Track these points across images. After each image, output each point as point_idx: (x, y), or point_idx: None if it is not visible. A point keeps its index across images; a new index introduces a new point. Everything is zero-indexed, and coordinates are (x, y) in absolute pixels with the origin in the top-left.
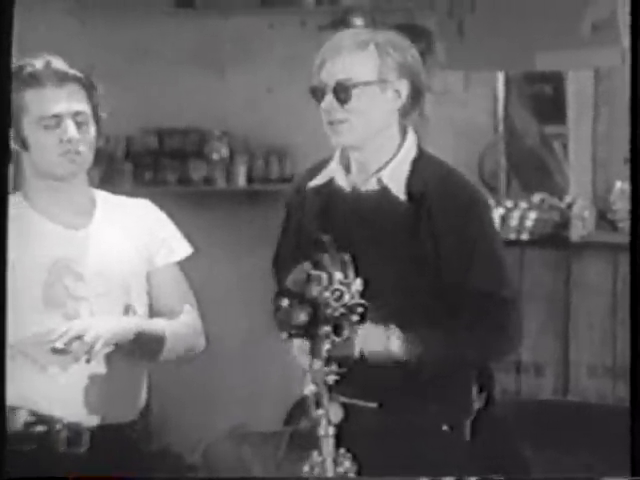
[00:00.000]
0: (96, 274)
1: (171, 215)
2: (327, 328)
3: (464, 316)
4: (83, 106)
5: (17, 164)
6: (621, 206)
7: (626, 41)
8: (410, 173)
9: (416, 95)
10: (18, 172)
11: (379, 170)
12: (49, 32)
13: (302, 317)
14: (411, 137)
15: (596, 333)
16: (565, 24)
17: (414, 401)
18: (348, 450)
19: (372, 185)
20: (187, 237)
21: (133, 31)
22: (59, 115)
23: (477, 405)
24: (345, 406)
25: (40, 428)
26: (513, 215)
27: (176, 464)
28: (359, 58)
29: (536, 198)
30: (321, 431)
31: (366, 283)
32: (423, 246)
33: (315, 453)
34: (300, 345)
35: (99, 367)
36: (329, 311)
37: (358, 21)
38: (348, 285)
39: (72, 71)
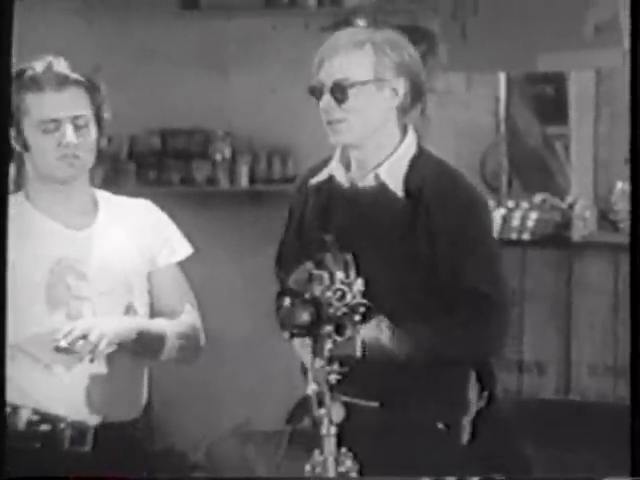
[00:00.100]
0: (99, 274)
1: (174, 215)
2: (329, 328)
3: (454, 313)
4: (84, 109)
5: (19, 164)
6: (622, 206)
7: (627, 42)
8: (408, 170)
9: (415, 93)
10: (20, 172)
11: (377, 166)
12: (55, 32)
13: (304, 317)
14: (411, 135)
15: (597, 332)
16: (567, 25)
17: (410, 399)
18: (349, 450)
19: (370, 181)
20: (190, 237)
21: (138, 32)
22: (58, 120)
23: (478, 404)
24: (346, 405)
25: (44, 427)
26: (515, 215)
27: (180, 463)
28: (355, 58)
29: (538, 198)
30: (323, 430)
31: (362, 278)
32: (419, 242)
33: (317, 452)
34: (300, 344)
35: (100, 366)
36: (331, 311)
37: (361, 23)
38: (350, 285)
39: (74, 75)
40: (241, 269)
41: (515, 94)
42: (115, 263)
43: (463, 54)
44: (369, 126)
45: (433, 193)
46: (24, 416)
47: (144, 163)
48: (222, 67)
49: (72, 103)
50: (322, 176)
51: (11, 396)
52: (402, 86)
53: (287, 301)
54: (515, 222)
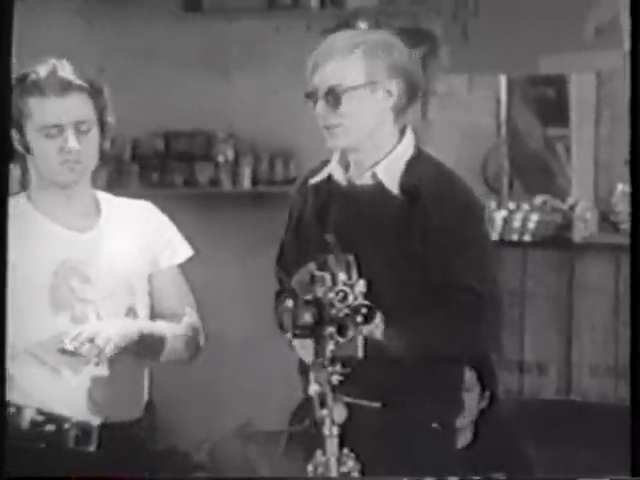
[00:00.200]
0: (102, 276)
1: (178, 216)
2: (331, 329)
3: (447, 310)
4: (87, 114)
5: (23, 166)
6: (623, 208)
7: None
8: (405, 170)
9: (411, 93)
10: (25, 173)
11: (374, 165)
12: (58, 35)
13: (307, 318)
14: (409, 136)
15: (598, 333)
16: (568, 27)
17: (406, 399)
18: (352, 450)
19: (367, 179)
20: (193, 238)
21: (141, 34)
22: (61, 125)
23: (480, 405)
24: (349, 406)
25: (49, 427)
26: (516, 217)
27: (183, 463)
28: (347, 63)
29: (539, 200)
30: (325, 431)
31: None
32: (414, 241)
33: (319, 453)
34: (300, 344)
35: (102, 367)
36: (333, 312)
37: (363, 25)
38: (352, 286)
39: (77, 80)
40: (243, 270)
41: (516, 96)
42: (118, 265)
43: (465, 56)
44: (365, 129)
45: (429, 193)
46: (27, 416)
47: (147, 165)
48: (225, 69)
49: (75, 108)
50: (321, 176)
51: (15, 396)
52: (396, 87)
53: (288, 301)
54: (516, 223)
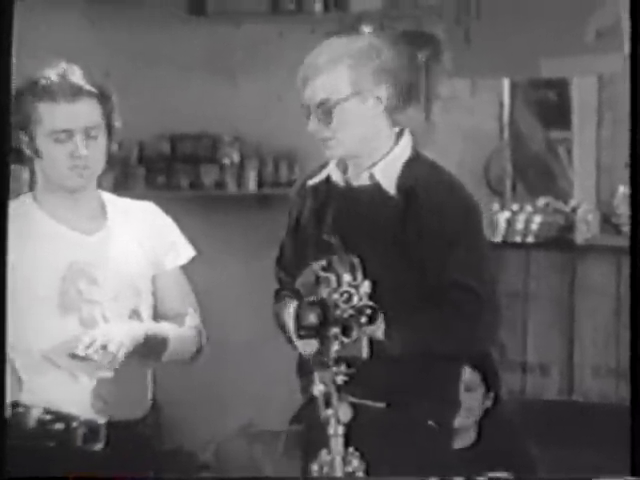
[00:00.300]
0: (109, 278)
1: (183, 219)
2: (336, 329)
3: (444, 308)
4: (96, 120)
5: (32, 168)
6: (624, 210)
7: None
8: (402, 171)
9: (404, 93)
10: (33, 175)
11: (372, 166)
12: (63, 39)
13: (312, 319)
14: (406, 138)
15: (600, 334)
16: (569, 31)
17: (404, 397)
18: (356, 449)
19: (365, 180)
20: (199, 240)
21: (146, 38)
22: (70, 130)
23: (484, 405)
24: (353, 405)
25: (58, 425)
26: (519, 218)
27: (189, 462)
28: (333, 76)
29: (541, 202)
30: (330, 430)
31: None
32: (410, 240)
33: (324, 452)
34: (303, 345)
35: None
36: (338, 312)
37: (367, 28)
38: (356, 287)
39: (87, 86)
40: (248, 271)
41: (519, 99)
42: (124, 267)
43: (467, 60)
44: (359, 138)
45: (425, 193)
46: (35, 415)
47: (153, 167)
48: (230, 73)
49: (85, 114)
50: (319, 177)
51: (23, 397)
52: (385, 92)
53: (286, 300)
54: (519, 225)
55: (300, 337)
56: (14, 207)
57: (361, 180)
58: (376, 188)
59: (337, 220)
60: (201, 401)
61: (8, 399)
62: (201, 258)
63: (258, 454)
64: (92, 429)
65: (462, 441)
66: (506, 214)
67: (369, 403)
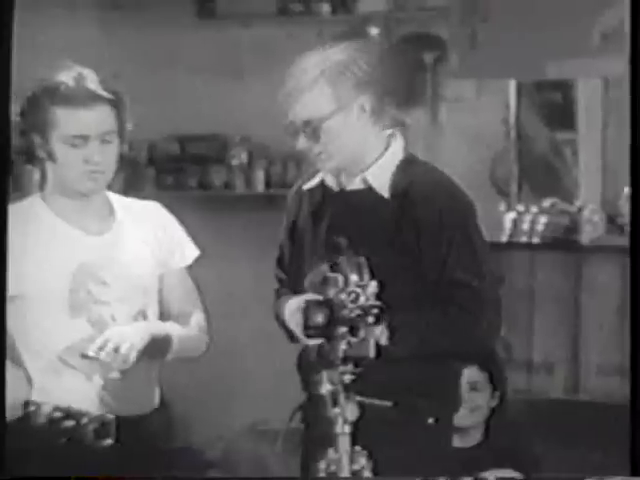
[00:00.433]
0: (118, 278)
1: (192, 219)
2: (343, 329)
3: (443, 308)
4: (110, 125)
5: (42, 169)
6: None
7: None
8: (395, 173)
9: (389, 96)
10: (44, 176)
11: (364, 170)
12: (73, 42)
13: (319, 318)
14: (398, 140)
15: (605, 334)
16: (575, 33)
17: (404, 395)
18: (364, 448)
19: (358, 184)
20: (207, 240)
21: (156, 40)
22: (86, 136)
23: (490, 404)
24: (361, 405)
25: (68, 422)
26: (525, 219)
27: (197, 460)
28: (314, 95)
29: (547, 203)
30: (337, 429)
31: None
32: (407, 242)
33: (331, 450)
34: (291, 315)
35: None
36: (345, 312)
37: (374, 30)
38: (363, 287)
39: (104, 92)
40: (256, 271)
41: (524, 101)
42: (132, 267)
43: (473, 61)
44: (348, 149)
45: (419, 195)
46: (44, 413)
47: (163, 168)
48: (238, 74)
49: (100, 120)
50: (314, 182)
51: (34, 396)
52: (368, 100)
53: (285, 298)
54: (525, 226)
55: (308, 337)
56: (23, 208)
57: (354, 184)
58: (370, 192)
59: (333, 223)
60: (209, 399)
61: (20, 399)
62: (209, 257)
63: (265, 452)
64: (102, 424)
65: (469, 440)
66: (512, 215)
67: (376, 402)
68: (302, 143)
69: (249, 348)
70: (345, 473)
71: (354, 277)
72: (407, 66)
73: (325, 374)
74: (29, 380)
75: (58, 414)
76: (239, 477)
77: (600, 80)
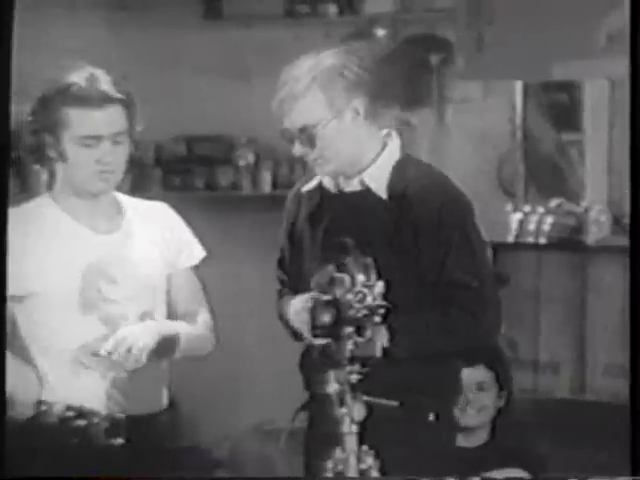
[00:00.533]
0: (127, 277)
1: (199, 219)
2: (350, 329)
3: (442, 308)
4: (122, 126)
5: (51, 169)
6: None
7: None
8: (392, 174)
9: (382, 97)
10: (53, 176)
11: (361, 171)
12: (81, 43)
13: (326, 318)
14: (394, 141)
15: (611, 334)
16: (581, 35)
17: (409, 394)
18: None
19: (355, 186)
20: (214, 240)
21: (163, 42)
22: (99, 137)
23: (497, 404)
24: (368, 405)
25: (80, 422)
26: (531, 219)
27: (204, 459)
28: (308, 103)
29: (553, 203)
30: (344, 429)
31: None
32: (405, 241)
33: (338, 450)
34: (295, 311)
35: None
36: (352, 312)
37: (380, 31)
38: (370, 287)
39: (116, 93)
40: (262, 271)
41: (531, 102)
42: (142, 266)
43: (480, 63)
44: (344, 153)
45: (417, 195)
46: (55, 413)
47: (170, 169)
48: (245, 75)
49: (113, 121)
50: (312, 184)
51: (47, 395)
52: (361, 103)
53: (288, 298)
54: (531, 226)
55: (315, 336)
56: (32, 207)
57: (352, 186)
58: (368, 193)
59: (332, 225)
60: (216, 399)
61: (31, 398)
62: (216, 258)
63: (272, 452)
64: (113, 424)
65: (475, 440)
66: (518, 215)
67: (383, 402)
68: (298, 149)
69: (255, 348)
70: (353, 472)
71: (361, 277)
72: (410, 67)
73: (332, 374)
74: (40, 379)
75: (70, 413)
76: (246, 477)
77: (606, 81)
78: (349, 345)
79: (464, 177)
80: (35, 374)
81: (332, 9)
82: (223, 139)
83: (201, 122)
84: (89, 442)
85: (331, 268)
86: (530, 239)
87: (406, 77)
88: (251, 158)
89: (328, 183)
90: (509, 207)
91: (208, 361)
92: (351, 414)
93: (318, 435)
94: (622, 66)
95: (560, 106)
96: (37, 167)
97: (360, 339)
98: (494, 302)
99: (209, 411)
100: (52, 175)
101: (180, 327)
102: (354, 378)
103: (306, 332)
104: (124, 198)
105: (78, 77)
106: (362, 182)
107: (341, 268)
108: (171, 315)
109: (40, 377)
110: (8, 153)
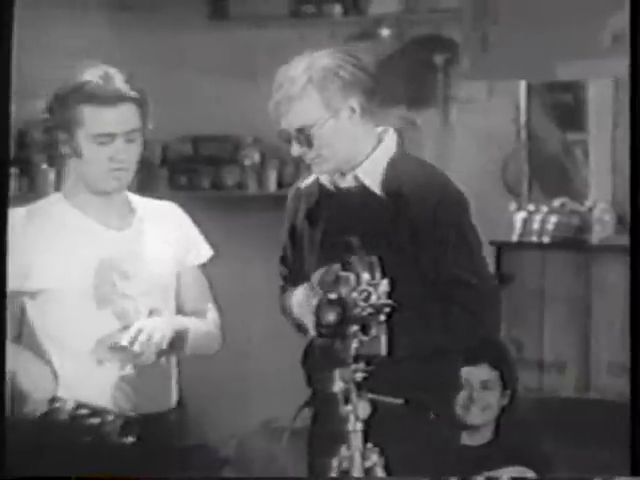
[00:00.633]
0: (140, 273)
1: (205, 219)
2: (355, 327)
3: (440, 305)
4: (135, 124)
5: (61, 166)
6: None
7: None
8: (387, 170)
9: (377, 94)
10: (61, 174)
11: (354, 168)
12: (87, 43)
13: (331, 317)
14: (390, 137)
15: (615, 332)
16: (585, 35)
17: (410, 393)
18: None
19: (350, 182)
20: (220, 239)
21: (169, 42)
22: (113, 134)
23: (501, 402)
24: (373, 402)
25: (93, 420)
26: (535, 219)
27: (211, 457)
28: (304, 104)
29: (557, 202)
30: (350, 426)
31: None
32: (401, 238)
33: (343, 447)
34: (297, 301)
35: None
36: (357, 311)
37: (385, 32)
38: (375, 286)
39: (130, 91)
40: (268, 270)
41: (535, 102)
42: (153, 263)
43: (484, 63)
44: (342, 151)
45: (411, 191)
46: (67, 410)
47: (176, 169)
48: (251, 75)
49: (127, 119)
50: (309, 180)
51: (61, 392)
52: (356, 101)
53: (290, 291)
54: (535, 225)
55: (320, 335)
56: (45, 205)
57: (347, 182)
58: (362, 189)
59: (329, 221)
60: (222, 397)
61: (46, 395)
62: (222, 257)
63: (278, 450)
64: (126, 422)
65: (479, 438)
66: (522, 214)
67: (387, 400)
68: (296, 150)
69: (262, 347)
70: (358, 470)
71: (366, 276)
72: (415, 67)
73: (337, 372)
74: (55, 375)
75: (83, 411)
76: (252, 477)
77: (610, 81)
78: (354, 344)
79: (469, 177)
80: (50, 370)
81: (337, 9)
82: (229, 139)
83: (207, 122)
84: (101, 440)
85: (336, 267)
86: (534, 238)
87: (411, 77)
88: (257, 158)
89: (325, 179)
90: (513, 206)
91: (214, 360)
92: (356, 412)
93: (323, 433)
94: (627, 66)
95: (564, 106)
96: (45, 167)
97: (365, 337)
98: (494, 300)
99: (216, 409)
100: (61, 174)
101: (190, 323)
102: (359, 376)
103: (310, 323)
104: (134, 197)
105: (92, 75)
106: (356, 177)
107: (346, 267)
108: (179, 313)
109: (55, 373)
110: (8, 153)
